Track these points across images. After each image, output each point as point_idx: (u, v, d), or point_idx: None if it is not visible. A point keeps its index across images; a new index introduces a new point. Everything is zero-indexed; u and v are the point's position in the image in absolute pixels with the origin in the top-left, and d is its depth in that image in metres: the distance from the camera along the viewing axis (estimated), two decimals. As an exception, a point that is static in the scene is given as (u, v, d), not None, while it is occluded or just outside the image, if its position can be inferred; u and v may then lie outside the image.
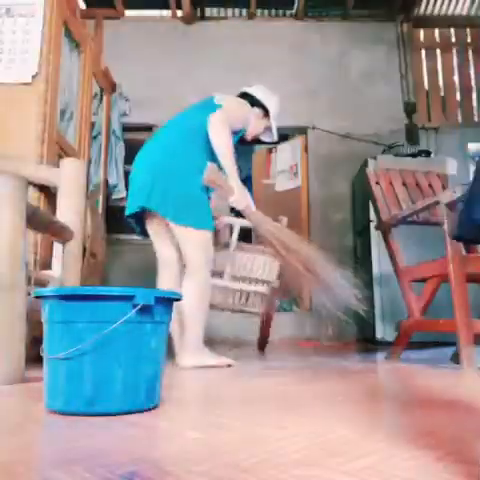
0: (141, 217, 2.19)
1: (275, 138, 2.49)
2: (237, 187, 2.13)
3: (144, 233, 2.26)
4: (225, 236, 2.67)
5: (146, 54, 5.02)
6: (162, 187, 2.01)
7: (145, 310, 1.02)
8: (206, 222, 2.07)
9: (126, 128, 4.18)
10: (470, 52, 5.22)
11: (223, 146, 2.10)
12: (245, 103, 2.33)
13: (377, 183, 2.61)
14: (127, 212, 2.15)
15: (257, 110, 2.38)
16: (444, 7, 5.22)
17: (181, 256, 2.14)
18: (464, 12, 5.27)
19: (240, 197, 2.12)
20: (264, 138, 2.53)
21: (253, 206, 2.18)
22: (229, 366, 2.02)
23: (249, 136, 2.45)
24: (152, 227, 2.20)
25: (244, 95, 2.39)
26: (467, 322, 1.93)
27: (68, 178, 2.28)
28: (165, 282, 2.19)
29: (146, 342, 1.04)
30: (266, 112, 2.40)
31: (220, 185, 2.10)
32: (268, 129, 2.45)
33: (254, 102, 2.37)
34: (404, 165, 3.52)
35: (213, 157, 2.12)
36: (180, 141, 2.11)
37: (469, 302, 1.96)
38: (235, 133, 2.26)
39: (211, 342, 2.70)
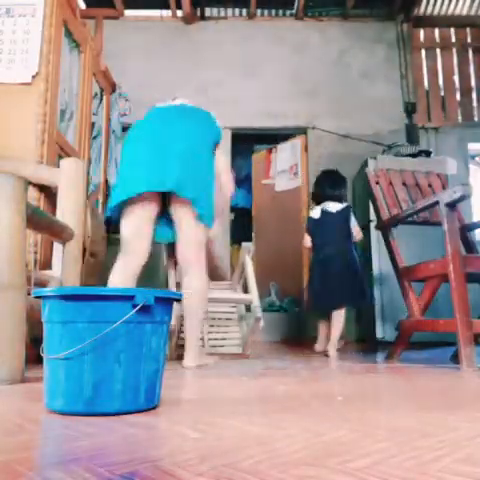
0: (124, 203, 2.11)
1: None
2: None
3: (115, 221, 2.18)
4: None
5: (146, 54, 5.03)
6: (194, 177, 2.08)
7: (145, 310, 1.02)
8: (213, 222, 2.19)
9: (126, 128, 4.18)
10: (470, 52, 5.22)
11: (230, 192, 2.42)
12: None
13: (377, 183, 2.61)
14: (138, 190, 2.03)
15: None
16: (444, 7, 5.22)
17: (147, 255, 2.16)
18: (464, 12, 5.28)
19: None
20: None
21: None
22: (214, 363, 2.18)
23: None
24: (140, 215, 2.10)
25: None
26: (467, 322, 1.93)
27: (68, 178, 2.28)
28: (122, 277, 2.07)
29: (146, 342, 1.04)
30: None
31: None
32: None
33: None
34: (404, 165, 3.52)
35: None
36: (201, 142, 2.21)
37: (469, 302, 1.96)
38: None
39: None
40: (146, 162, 2.10)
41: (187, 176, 2.07)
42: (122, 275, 2.07)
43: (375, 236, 3.94)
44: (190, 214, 2.09)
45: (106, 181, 3.85)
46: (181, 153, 2.11)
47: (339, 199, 3.02)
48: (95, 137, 3.71)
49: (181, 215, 2.12)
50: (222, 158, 2.35)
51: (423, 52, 5.22)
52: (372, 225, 3.92)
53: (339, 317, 2.84)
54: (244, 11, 5.29)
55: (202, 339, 2.66)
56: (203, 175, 2.14)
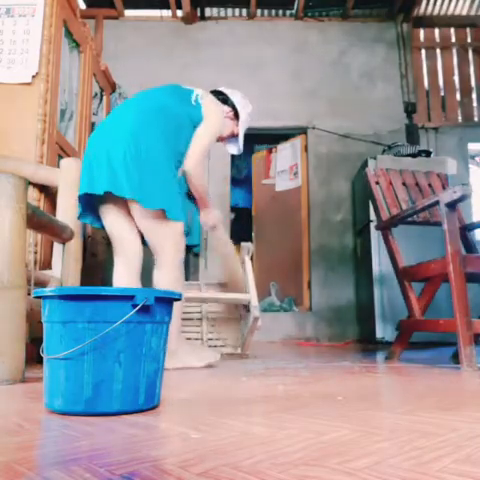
0: (91, 199, 1.99)
1: (241, 149, 2.36)
2: (207, 211, 2.25)
3: (88, 217, 2.07)
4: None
5: (146, 54, 5.03)
6: (137, 172, 1.83)
7: (145, 310, 1.02)
8: (178, 212, 1.92)
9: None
10: (470, 52, 5.23)
11: (201, 190, 2.12)
12: (221, 106, 2.23)
13: (377, 183, 2.61)
14: (82, 191, 1.94)
15: (228, 108, 2.28)
16: (444, 7, 5.22)
17: (141, 248, 2.05)
18: (464, 12, 5.28)
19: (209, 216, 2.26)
20: (230, 149, 2.39)
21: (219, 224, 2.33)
22: (210, 365, 1.99)
23: None
24: (112, 211, 1.99)
25: (218, 93, 2.31)
26: (467, 322, 1.93)
27: (68, 178, 2.28)
28: (124, 278, 2.02)
29: (146, 342, 1.04)
30: (236, 114, 2.29)
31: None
32: (235, 137, 2.33)
33: (225, 101, 2.29)
34: (404, 165, 3.52)
35: (181, 148, 2.01)
36: (155, 125, 1.93)
37: (469, 302, 1.96)
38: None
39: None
40: (86, 156, 1.96)
41: (122, 167, 1.82)
42: (124, 278, 2.03)
43: (375, 236, 3.94)
44: (138, 211, 1.90)
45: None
46: (110, 146, 1.87)
47: None
48: (95, 137, 3.71)
49: (133, 215, 1.95)
50: (197, 139, 2.02)
51: (423, 52, 5.22)
52: (372, 225, 3.92)
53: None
54: (244, 11, 5.30)
55: (201, 339, 2.67)
56: (150, 158, 1.86)
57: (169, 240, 1.93)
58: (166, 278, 1.94)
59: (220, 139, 2.30)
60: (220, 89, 2.35)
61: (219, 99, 2.25)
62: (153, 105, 2.00)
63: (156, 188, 1.86)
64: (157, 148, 1.89)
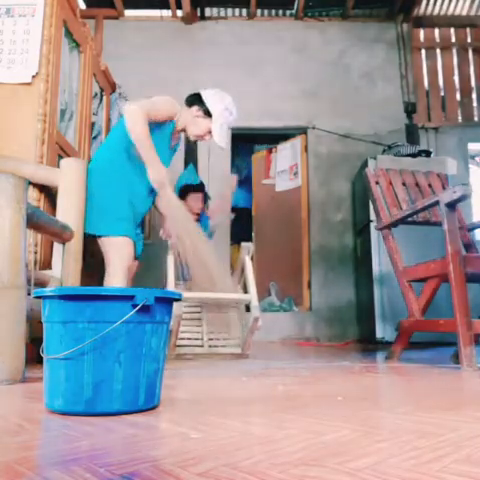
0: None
1: (220, 144, 2.41)
2: (153, 167, 2.24)
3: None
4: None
5: (146, 54, 5.03)
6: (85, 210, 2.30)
7: (145, 310, 1.02)
8: (114, 229, 2.31)
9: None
10: (470, 52, 5.22)
11: (138, 136, 2.20)
12: (172, 101, 2.37)
13: (377, 183, 2.61)
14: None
15: (195, 108, 2.39)
16: (444, 7, 5.22)
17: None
18: (464, 12, 5.28)
19: (155, 175, 2.26)
20: (220, 143, 2.43)
21: (168, 187, 2.33)
22: None
23: (191, 135, 2.47)
24: None
25: (194, 95, 2.44)
26: (467, 322, 1.93)
27: (68, 178, 2.27)
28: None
29: (146, 342, 1.04)
30: (207, 112, 2.38)
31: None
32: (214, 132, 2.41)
33: (196, 101, 2.40)
34: (404, 165, 3.52)
35: (131, 163, 2.33)
36: (97, 162, 2.43)
37: (469, 302, 1.96)
38: (158, 124, 2.34)
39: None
40: None
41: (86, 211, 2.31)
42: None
43: (375, 236, 3.94)
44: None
45: (106, 181, 3.85)
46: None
47: None
48: (95, 137, 3.70)
49: None
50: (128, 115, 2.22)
51: (423, 52, 5.22)
52: (372, 225, 3.92)
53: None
54: (244, 11, 5.29)
55: (202, 339, 2.66)
56: (91, 190, 2.32)
57: (111, 252, 2.30)
58: (113, 281, 2.28)
59: (199, 137, 2.45)
60: (197, 91, 2.46)
61: (187, 102, 2.43)
62: (95, 157, 2.52)
63: (93, 217, 2.29)
64: (94, 186, 2.35)
